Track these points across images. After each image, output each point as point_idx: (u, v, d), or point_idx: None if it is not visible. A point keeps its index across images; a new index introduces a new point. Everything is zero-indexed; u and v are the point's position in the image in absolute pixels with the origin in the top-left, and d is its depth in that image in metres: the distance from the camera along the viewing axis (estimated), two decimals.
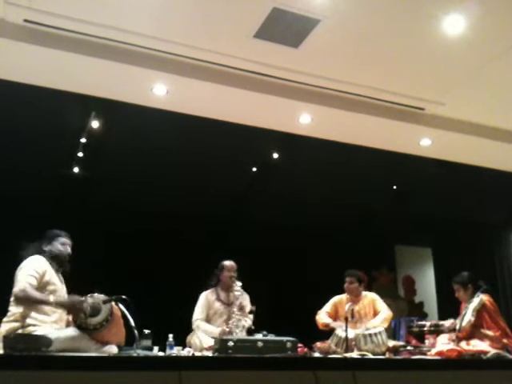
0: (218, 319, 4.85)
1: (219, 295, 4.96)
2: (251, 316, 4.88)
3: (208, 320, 4.87)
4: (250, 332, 4.71)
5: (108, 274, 6.16)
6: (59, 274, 3.87)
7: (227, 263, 4.99)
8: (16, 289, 3.56)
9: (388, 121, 5.63)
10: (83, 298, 3.61)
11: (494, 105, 5.62)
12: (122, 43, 4.58)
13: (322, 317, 5.05)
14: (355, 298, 5.11)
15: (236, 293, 4.76)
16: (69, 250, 3.93)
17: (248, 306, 4.88)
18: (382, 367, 3.64)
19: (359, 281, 5.14)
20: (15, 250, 3.81)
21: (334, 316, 5.06)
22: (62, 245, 3.90)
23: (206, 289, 5.03)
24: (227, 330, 4.55)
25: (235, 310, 4.69)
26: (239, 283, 4.82)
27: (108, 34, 4.48)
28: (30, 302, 3.55)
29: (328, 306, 5.17)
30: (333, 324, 4.88)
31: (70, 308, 3.65)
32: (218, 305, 4.91)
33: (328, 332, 4.79)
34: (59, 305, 3.65)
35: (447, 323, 4.76)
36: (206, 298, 4.95)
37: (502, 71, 5.00)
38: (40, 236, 3.92)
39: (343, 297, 5.18)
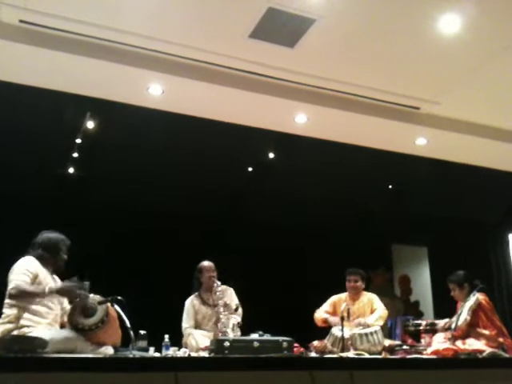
0: (207, 323, 4.82)
1: (204, 298, 4.92)
2: (239, 311, 4.84)
3: (198, 325, 4.84)
4: (241, 329, 4.70)
5: (104, 274, 6.13)
6: (53, 276, 3.85)
7: (205, 264, 4.96)
8: (9, 288, 3.54)
9: (383, 120, 5.64)
10: (77, 284, 3.59)
11: (489, 104, 5.63)
12: (118, 43, 4.58)
13: (320, 313, 5.05)
14: (356, 296, 5.11)
15: (218, 293, 4.73)
16: (65, 256, 3.93)
17: (233, 303, 4.84)
18: (379, 366, 3.65)
19: (362, 279, 5.15)
20: (11, 250, 3.79)
21: (333, 315, 5.04)
22: (64, 254, 3.89)
23: (190, 294, 4.99)
24: (219, 333, 4.50)
25: (221, 309, 4.65)
26: (218, 282, 4.78)
27: (103, 34, 4.48)
28: (24, 300, 3.53)
29: (327, 305, 5.16)
30: (330, 319, 4.87)
31: (65, 293, 3.61)
32: (204, 309, 4.87)
33: (326, 330, 4.78)
34: (54, 292, 3.59)
35: (442, 322, 4.77)
36: (191, 304, 4.91)
37: (497, 71, 5.01)
38: (37, 240, 3.89)
39: (342, 296, 5.18)
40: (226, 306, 4.69)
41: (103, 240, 6.82)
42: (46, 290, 3.55)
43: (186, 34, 4.52)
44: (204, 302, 4.90)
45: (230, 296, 4.92)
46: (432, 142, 6.12)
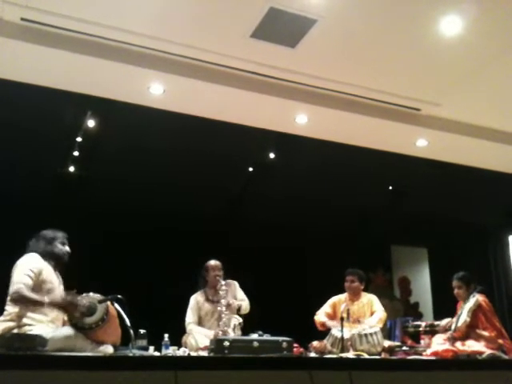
0: (210, 319, 4.87)
1: (208, 295, 4.98)
2: (245, 306, 4.86)
3: (200, 321, 4.89)
4: (242, 329, 4.70)
5: (104, 273, 6.14)
6: (57, 272, 3.84)
7: (211, 263, 5.01)
8: (11, 290, 3.53)
9: (384, 121, 5.64)
10: (79, 297, 3.59)
11: (490, 106, 5.63)
12: (119, 42, 4.58)
13: (320, 316, 5.06)
14: (355, 297, 5.10)
15: (221, 292, 4.75)
16: (67, 248, 3.91)
17: (238, 296, 4.90)
18: (378, 367, 3.64)
19: (360, 279, 5.14)
20: (11, 248, 3.78)
21: (333, 316, 5.04)
22: (62, 244, 3.88)
23: (196, 291, 5.05)
24: (220, 332, 4.52)
25: (223, 309, 4.67)
26: (222, 282, 4.80)
27: (105, 33, 4.48)
28: (25, 303, 3.53)
29: (327, 306, 5.16)
30: (328, 323, 4.88)
31: (65, 307, 3.62)
32: (207, 305, 4.93)
33: (325, 332, 4.79)
34: (54, 305, 3.61)
35: (443, 322, 4.77)
36: (195, 300, 4.98)
37: (498, 73, 5.01)
38: (35, 234, 3.89)
39: (342, 297, 5.18)
40: (228, 305, 4.73)
41: (103, 239, 6.82)
42: (46, 300, 3.54)
43: (188, 34, 4.52)
44: (208, 299, 4.96)
45: (235, 290, 4.98)
46: (432, 143, 6.12)
